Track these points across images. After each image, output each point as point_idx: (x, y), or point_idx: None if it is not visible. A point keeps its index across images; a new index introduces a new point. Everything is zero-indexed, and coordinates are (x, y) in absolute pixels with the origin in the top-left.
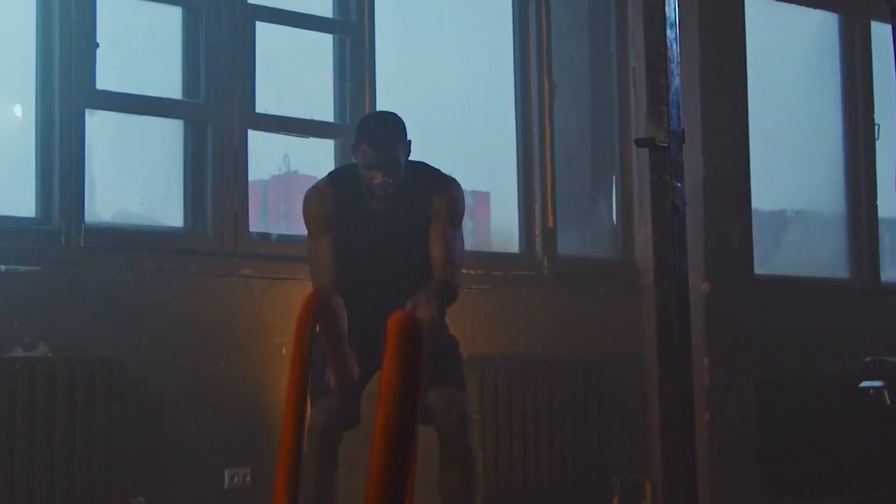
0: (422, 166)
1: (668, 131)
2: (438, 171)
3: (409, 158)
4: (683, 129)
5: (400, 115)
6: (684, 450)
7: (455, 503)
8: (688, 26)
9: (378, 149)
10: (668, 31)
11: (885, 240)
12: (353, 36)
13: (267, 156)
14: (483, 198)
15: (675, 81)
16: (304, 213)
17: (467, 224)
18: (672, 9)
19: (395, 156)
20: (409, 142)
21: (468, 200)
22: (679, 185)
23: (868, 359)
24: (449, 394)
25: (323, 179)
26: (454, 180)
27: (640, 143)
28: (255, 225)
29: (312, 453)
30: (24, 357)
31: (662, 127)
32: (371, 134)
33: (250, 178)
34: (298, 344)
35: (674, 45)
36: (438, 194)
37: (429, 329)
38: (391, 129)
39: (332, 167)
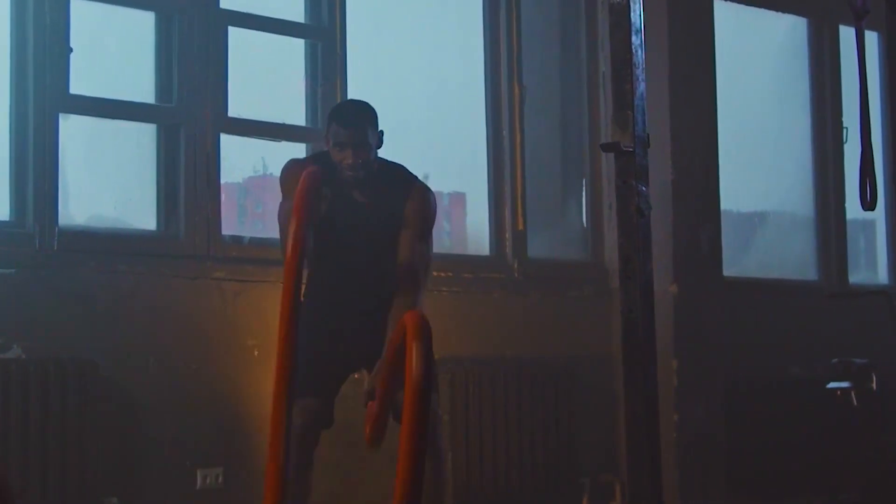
0: (400, 167)
1: (634, 136)
2: (416, 176)
3: (391, 161)
4: (649, 134)
5: None
6: (649, 450)
7: (424, 502)
8: (657, 30)
9: (347, 125)
10: (634, 38)
11: (861, 242)
12: (325, 40)
13: (242, 158)
14: (459, 198)
15: (641, 87)
16: (281, 179)
17: (443, 226)
18: (637, 15)
19: (364, 135)
20: (382, 132)
21: (443, 202)
22: (644, 189)
23: (835, 360)
24: None
25: (306, 157)
26: (429, 188)
27: (606, 147)
28: (231, 226)
29: (290, 453)
30: None
31: (628, 132)
32: (341, 113)
33: (225, 180)
34: (299, 223)
35: (639, 51)
36: (412, 200)
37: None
38: (361, 110)
39: None
